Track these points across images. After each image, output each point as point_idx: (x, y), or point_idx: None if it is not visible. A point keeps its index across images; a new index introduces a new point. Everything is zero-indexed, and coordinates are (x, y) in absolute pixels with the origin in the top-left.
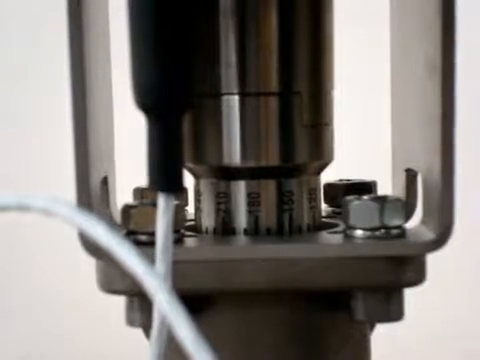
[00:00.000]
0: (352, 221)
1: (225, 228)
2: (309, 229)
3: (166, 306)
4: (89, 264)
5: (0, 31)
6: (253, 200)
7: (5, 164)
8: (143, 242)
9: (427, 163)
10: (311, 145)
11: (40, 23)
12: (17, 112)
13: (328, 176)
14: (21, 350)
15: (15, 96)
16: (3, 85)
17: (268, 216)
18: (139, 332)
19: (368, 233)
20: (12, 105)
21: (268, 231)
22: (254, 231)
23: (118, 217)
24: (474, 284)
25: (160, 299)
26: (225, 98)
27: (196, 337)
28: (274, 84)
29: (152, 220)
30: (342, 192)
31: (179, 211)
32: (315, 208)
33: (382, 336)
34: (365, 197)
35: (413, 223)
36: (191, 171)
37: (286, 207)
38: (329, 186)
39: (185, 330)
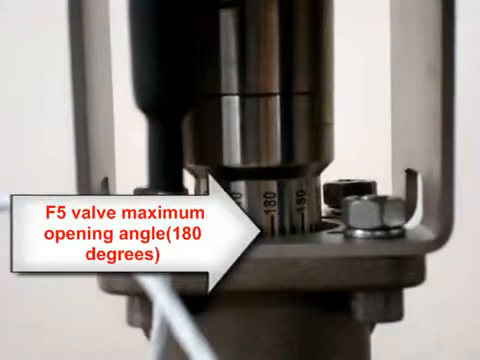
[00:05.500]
0: (352, 221)
1: None
2: (317, 229)
3: (166, 306)
4: None
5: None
6: (269, 200)
7: (5, 165)
8: None
9: (427, 163)
10: (313, 145)
11: (40, 22)
12: (18, 112)
13: (328, 176)
14: None
15: (15, 96)
16: (3, 85)
17: (284, 216)
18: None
19: (368, 233)
20: (12, 105)
21: (282, 231)
22: (270, 231)
23: None
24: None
25: (160, 299)
26: (225, 99)
27: (196, 337)
28: (275, 84)
29: None
30: (342, 192)
31: None
32: (319, 208)
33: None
34: (365, 197)
35: (413, 223)
36: (191, 171)
37: (299, 207)
38: (329, 186)
39: (185, 330)
